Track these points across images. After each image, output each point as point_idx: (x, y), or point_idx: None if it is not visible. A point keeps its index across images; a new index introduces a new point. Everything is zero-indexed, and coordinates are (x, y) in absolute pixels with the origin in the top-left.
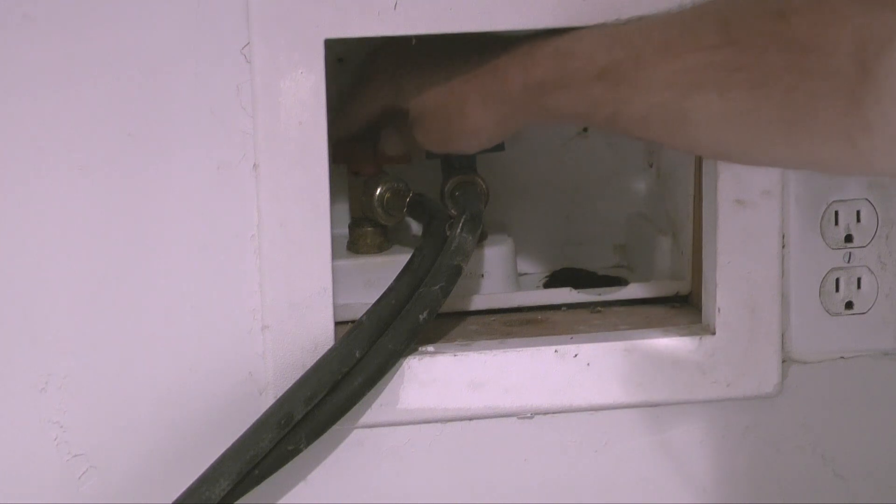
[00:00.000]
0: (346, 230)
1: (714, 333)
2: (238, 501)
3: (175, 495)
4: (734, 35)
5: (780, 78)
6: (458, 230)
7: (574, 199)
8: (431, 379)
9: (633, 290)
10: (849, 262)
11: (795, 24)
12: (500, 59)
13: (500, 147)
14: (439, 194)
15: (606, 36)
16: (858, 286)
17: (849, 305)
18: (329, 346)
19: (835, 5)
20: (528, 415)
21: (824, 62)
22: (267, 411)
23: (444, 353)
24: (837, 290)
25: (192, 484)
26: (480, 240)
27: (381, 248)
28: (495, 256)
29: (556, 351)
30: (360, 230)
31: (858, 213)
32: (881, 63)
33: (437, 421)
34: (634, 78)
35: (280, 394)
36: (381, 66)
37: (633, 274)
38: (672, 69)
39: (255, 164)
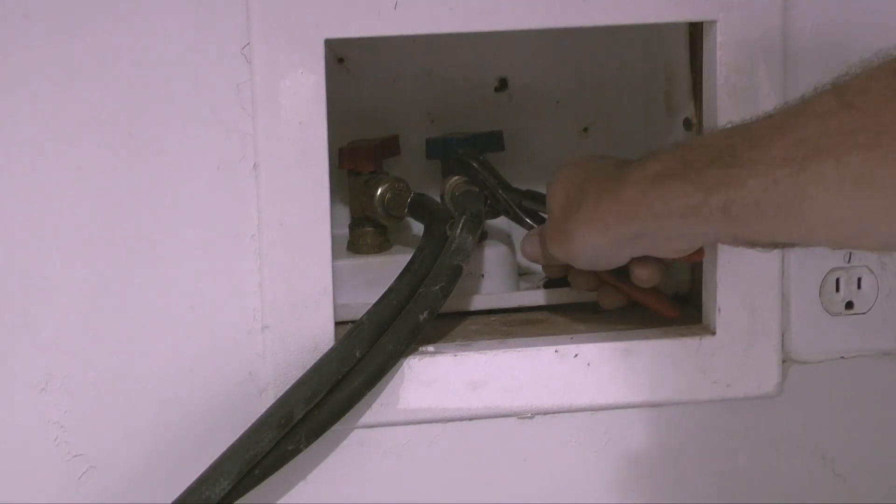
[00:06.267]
0: (346, 230)
1: (714, 333)
2: (238, 501)
3: (175, 495)
4: (849, 98)
5: None
6: (459, 230)
7: None
8: (431, 379)
9: None
10: (849, 262)
11: None
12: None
13: (499, 147)
14: (440, 194)
15: (730, 127)
16: (858, 286)
17: (849, 305)
18: (329, 346)
19: None
20: (528, 415)
21: None
22: (267, 411)
23: (444, 353)
24: (837, 290)
25: (192, 484)
26: (480, 240)
27: (381, 248)
28: (495, 256)
29: (556, 351)
30: (361, 230)
31: None
32: None
33: (437, 421)
34: (748, 158)
35: (280, 394)
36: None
37: None
38: (786, 143)
39: (255, 164)
